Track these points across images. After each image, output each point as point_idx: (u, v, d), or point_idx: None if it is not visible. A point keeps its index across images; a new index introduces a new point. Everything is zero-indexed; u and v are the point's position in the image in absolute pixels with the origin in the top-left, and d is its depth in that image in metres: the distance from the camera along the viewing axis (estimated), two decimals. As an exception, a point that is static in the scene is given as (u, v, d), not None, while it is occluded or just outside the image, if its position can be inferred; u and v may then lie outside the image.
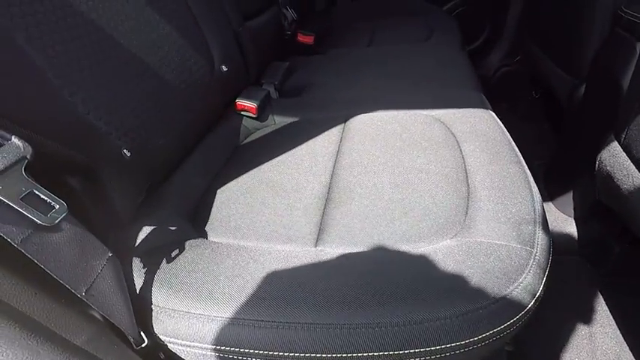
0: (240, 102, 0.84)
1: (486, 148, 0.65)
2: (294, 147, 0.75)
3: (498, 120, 0.74)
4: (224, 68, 0.79)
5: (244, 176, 0.69)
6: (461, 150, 0.66)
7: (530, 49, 1.53)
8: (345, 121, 0.80)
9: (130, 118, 0.55)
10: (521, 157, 0.64)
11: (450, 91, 0.89)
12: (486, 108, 0.79)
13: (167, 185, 0.64)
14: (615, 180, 0.76)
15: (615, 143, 0.78)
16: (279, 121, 0.88)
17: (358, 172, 0.64)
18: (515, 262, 0.43)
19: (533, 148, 1.45)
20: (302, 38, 1.12)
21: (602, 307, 0.88)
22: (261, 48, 0.98)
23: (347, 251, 0.50)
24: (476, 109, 0.77)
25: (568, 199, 1.11)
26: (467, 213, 0.52)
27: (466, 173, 0.60)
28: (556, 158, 1.26)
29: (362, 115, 0.81)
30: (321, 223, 0.56)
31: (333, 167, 0.68)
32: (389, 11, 1.56)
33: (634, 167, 0.72)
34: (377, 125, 0.76)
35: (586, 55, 1.03)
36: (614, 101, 0.88)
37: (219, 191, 0.67)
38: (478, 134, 0.69)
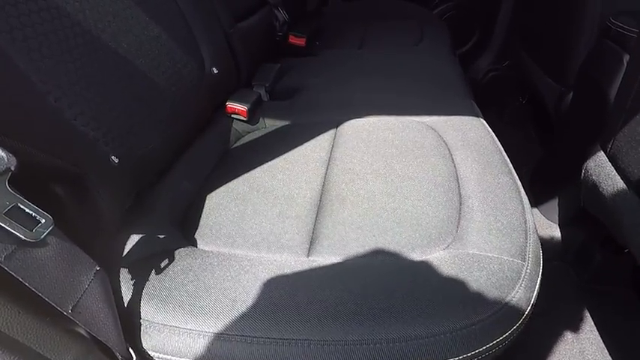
0: (231, 105, 0.82)
1: (478, 157, 0.65)
2: (285, 152, 0.74)
3: (489, 128, 0.75)
4: (215, 70, 0.78)
5: (235, 181, 0.68)
6: (452, 158, 0.66)
7: (518, 54, 1.56)
8: (336, 126, 0.80)
9: (119, 123, 0.53)
10: (512, 168, 0.65)
11: (441, 97, 0.89)
12: (477, 116, 0.79)
13: (156, 190, 0.63)
14: (601, 189, 0.78)
15: (601, 153, 0.79)
16: (269, 124, 0.87)
17: (350, 179, 0.64)
18: (507, 276, 0.43)
19: (519, 154, 1.47)
20: (294, 40, 1.10)
21: (585, 314, 0.90)
22: (253, 49, 0.96)
23: (339, 262, 0.50)
24: (467, 117, 0.78)
25: (553, 205, 1.13)
26: (459, 223, 0.52)
27: (458, 182, 0.60)
28: (542, 164, 1.28)
29: (353, 120, 0.80)
30: (313, 232, 0.55)
31: (325, 174, 0.67)
32: (380, 13, 1.56)
33: (619, 177, 0.73)
34: (369, 131, 0.76)
35: (574, 64, 1.05)
36: (600, 111, 0.90)
37: (209, 197, 0.65)
38: (469, 143, 0.69)
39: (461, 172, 0.62)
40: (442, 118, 0.78)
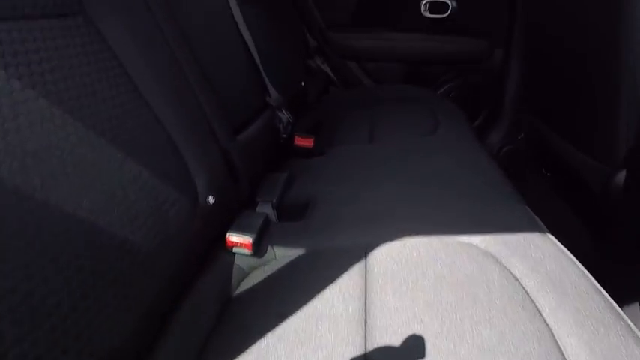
0: (232, 238, 0.67)
1: (573, 306, 0.47)
2: (305, 302, 0.56)
3: (567, 251, 0.58)
4: (211, 200, 0.63)
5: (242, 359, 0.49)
6: (538, 309, 0.48)
7: (534, 126, 1.46)
8: (365, 254, 0.63)
9: (73, 330, 0.36)
10: (621, 311, 0.47)
11: (486, 204, 0.74)
12: (542, 230, 0.63)
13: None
14: None
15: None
16: (280, 254, 0.70)
17: (400, 352, 0.45)
18: None
19: (557, 234, 1.30)
20: (301, 142, 0.99)
21: None
22: (255, 162, 0.83)
23: None
24: (530, 234, 0.62)
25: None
26: None
27: (563, 356, 0.42)
28: (599, 253, 1.10)
29: (384, 244, 0.64)
30: None
31: (365, 338, 0.49)
32: (383, 98, 1.48)
33: None
34: (408, 264, 0.59)
35: (617, 140, 0.92)
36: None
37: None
38: (552, 280, 0.52)
39: (559, 335, 0.44)
40: (498, 238, 0.62)
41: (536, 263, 0.55)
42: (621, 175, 0.95)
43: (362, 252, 0.64)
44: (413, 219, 0.70)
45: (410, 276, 0.56)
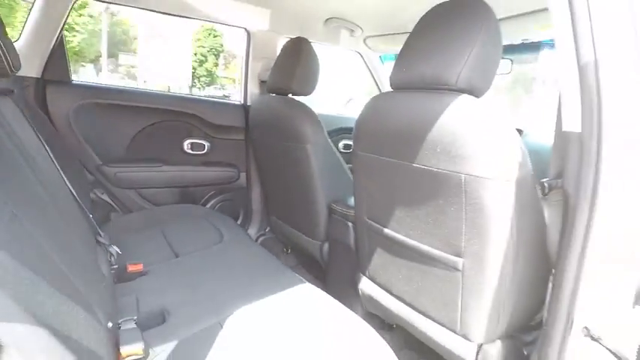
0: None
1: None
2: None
3: (314, 286, 1.19)
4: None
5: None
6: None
7: (275, 222, 2.15)
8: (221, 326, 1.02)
9: None
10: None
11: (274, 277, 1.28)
12: (304, 282, 1.23)
13: None
14: None
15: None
16: (159, 350, 0.96)
17: None
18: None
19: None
20: (132, 268, 1.23)
21: None
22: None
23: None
24: (300, 285, 1.20)
25: None
26: None
27: None
28: (321, 285, 1.85)
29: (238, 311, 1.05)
30: None
31: None
32: (166, 218, 1.84)
33: None
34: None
35: (319, 223, 1.73)
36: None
37: None
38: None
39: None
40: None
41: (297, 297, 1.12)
42: (326, 245, 1.73)
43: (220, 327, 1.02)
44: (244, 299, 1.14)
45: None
